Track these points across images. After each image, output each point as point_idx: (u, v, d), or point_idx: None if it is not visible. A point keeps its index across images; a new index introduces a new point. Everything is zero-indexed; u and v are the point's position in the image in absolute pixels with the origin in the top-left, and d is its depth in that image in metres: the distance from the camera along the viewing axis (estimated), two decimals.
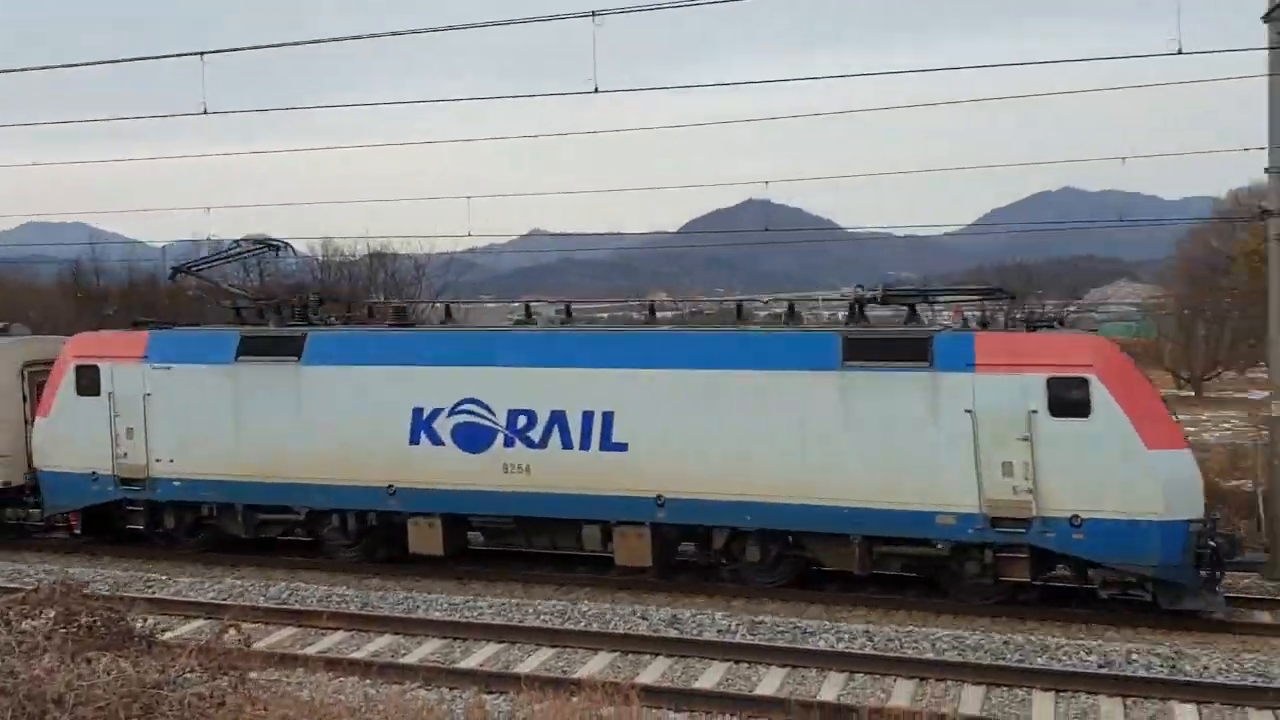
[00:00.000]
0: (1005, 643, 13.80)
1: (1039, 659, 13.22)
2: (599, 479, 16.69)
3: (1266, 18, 20.19)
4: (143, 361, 19.22)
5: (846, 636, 14.26)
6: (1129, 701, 11.88)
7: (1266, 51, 20.14)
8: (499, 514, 17.78)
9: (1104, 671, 12.70)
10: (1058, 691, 12.16)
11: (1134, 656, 13.14)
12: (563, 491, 16.92)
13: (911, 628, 14.75)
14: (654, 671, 13.24)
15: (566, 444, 16.92)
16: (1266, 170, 21.02)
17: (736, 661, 13.45)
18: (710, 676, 13.05)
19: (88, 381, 19.44)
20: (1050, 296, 50.25)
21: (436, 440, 17.55)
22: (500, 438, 17.25)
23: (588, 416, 16.74)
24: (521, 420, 17.15)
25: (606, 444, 16.74)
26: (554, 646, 14.18)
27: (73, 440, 19.50)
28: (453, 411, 17.46)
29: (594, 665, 13.49)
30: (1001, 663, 13.11)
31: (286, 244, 22.34)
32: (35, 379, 21.48)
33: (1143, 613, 15.48)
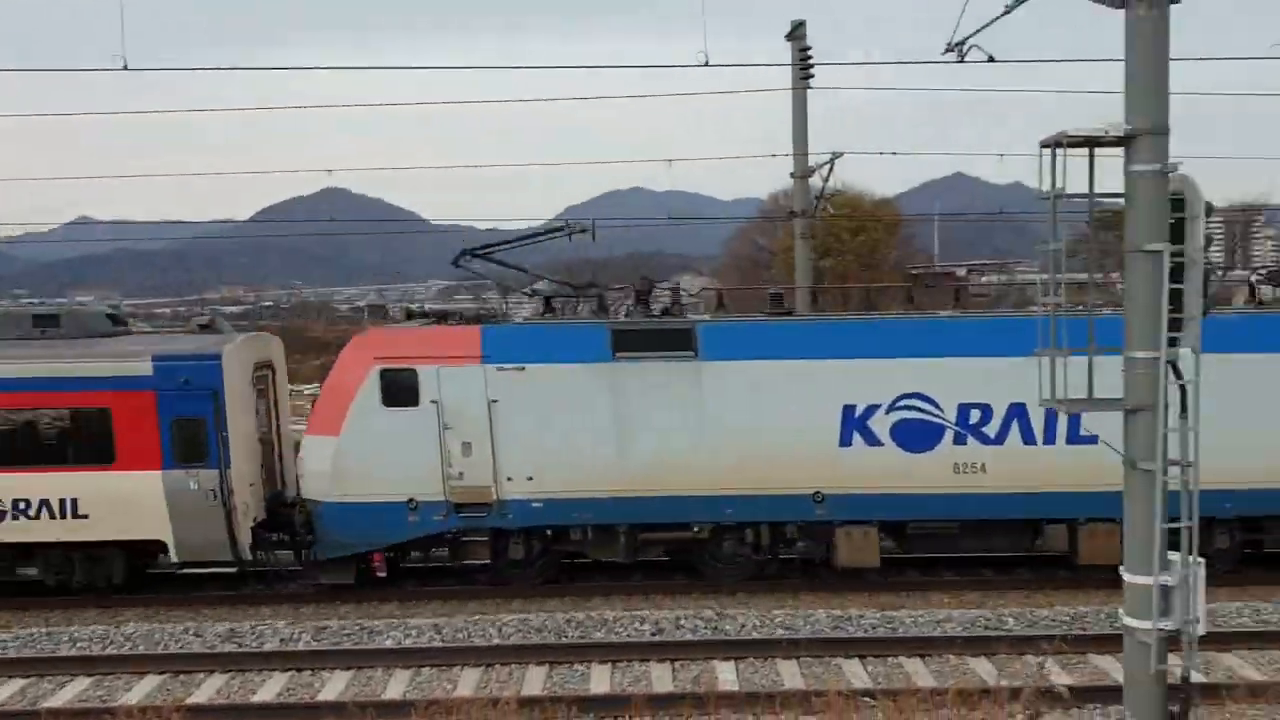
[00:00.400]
0: (568, 621, 14.33)
1: (598, 633, 13.88)
2: (1065, 475, 15.40)
3: (789, 36, 22.53)
4: (482, 362, 15.82)
5: (414, 632, 14.17)
6: (677, 664, 12.78)
7: (790, 67, 22.44)
8: (944, 518, 16.15)
9: (656, 639, 13.57)
10: (614, 663, 12.82)
11: (682, 622, 14.13)
12: (1024, 490, 15.66)
13: (480, 616, 14.93)
14: (208, 689, 12.43)
15: (1029, 439, 15.65)
16: (792, 175, 23.49)
17: (299, 670, 12.96)
18: (270, 688, 12.45)
19: (401, 389, 15.82)
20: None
21: (873, 440, 15.78)
22: (949, 434, 15.75)
23: (1050, 410, 15.72)
24: (975, 415, 15.71)
25: (1074, 437, 15.35)
26: (91, 675, 12.91)
27: (379, 462, 15.85)
28: (891, 408, 15.74)
29: (140, 691, 12.43)
30: (564, 641, 13.62)
31: (594, 222, 18.58)
32: (258, 385, 17.26)
33: (693, 579, 16.87)
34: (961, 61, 9.78)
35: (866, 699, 10.31)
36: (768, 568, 16.74)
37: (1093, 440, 15.16)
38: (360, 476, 15.82)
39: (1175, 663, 8.23)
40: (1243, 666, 12.26)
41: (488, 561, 16.80)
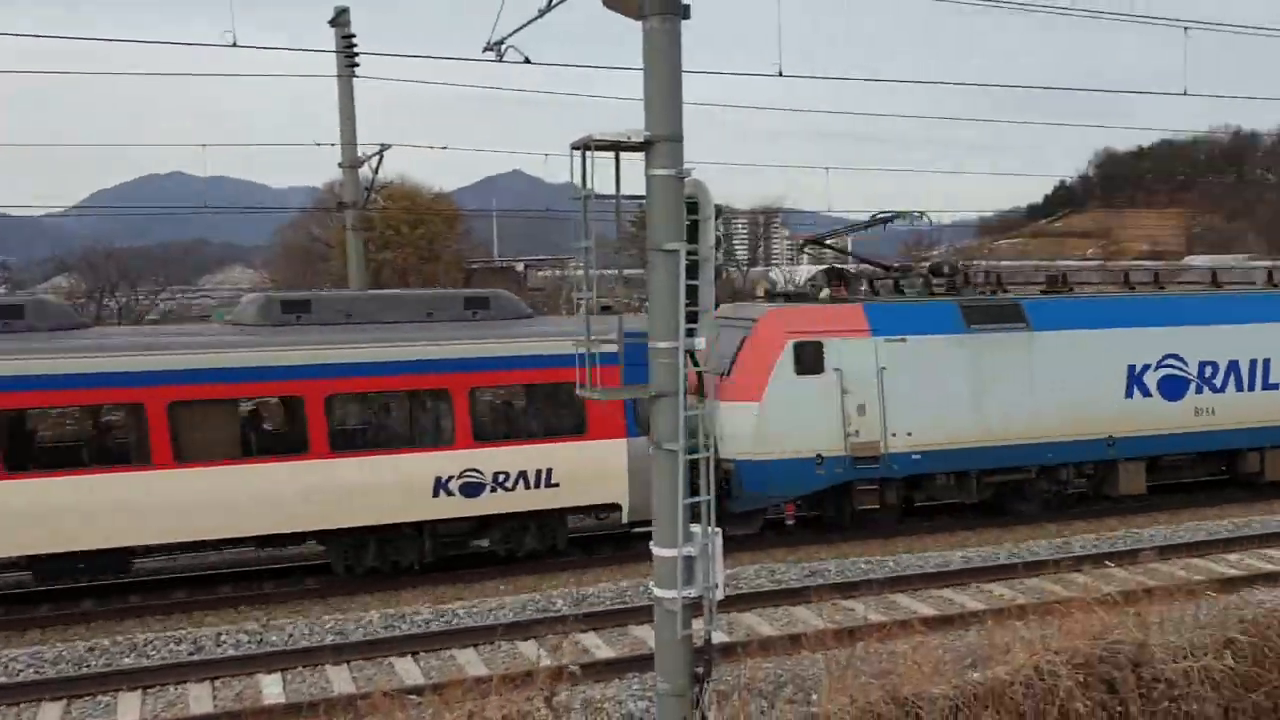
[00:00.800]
0: (90, 649, 12.96)
1: (126, 659, 12.68)
2: (1259, 413, 21.34)
3: (333, 22, 21.85)
4: (871, 335, 18.75)
5: None
6: (218, 683, 11.97)
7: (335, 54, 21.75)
8: (1183, 451, 21.11)
9: (195, 659, 12.63)
10: (145, 689, 11.76)
11: (224, 638, 13.28)
12: (1236, 427, 21.03)
13: None
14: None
15: (1239, 387, 21.09)
16: (340, 165, 22.86)
17: None
18: None
19: (809, 359, 18.39)
20: (149, 283, 49.21)
21: (1146, 393, 20.40)
22: (1193, 385, 20.77)
23: (1252, 364, 21.13)
24: (1209, 369, 20.90)
25: (1266, 385, 21.37)
26: None
27: (793, 424, 18.23)
28: (1158, 366, 20.48)
29: None
30: (85, 672, 12.29)
31: (923, 213, 22.05)
32: None
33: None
34: (500, 61, 9.97)
35: (413, 696, 10.23)
36: (1065, 502, 20.42)
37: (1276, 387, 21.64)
38: (778, 437, 18.17)
39: (701, 627, 8.92)
40: (759, 624, 13.62)
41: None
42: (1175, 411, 20.67)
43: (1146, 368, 20.44)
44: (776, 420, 18.10)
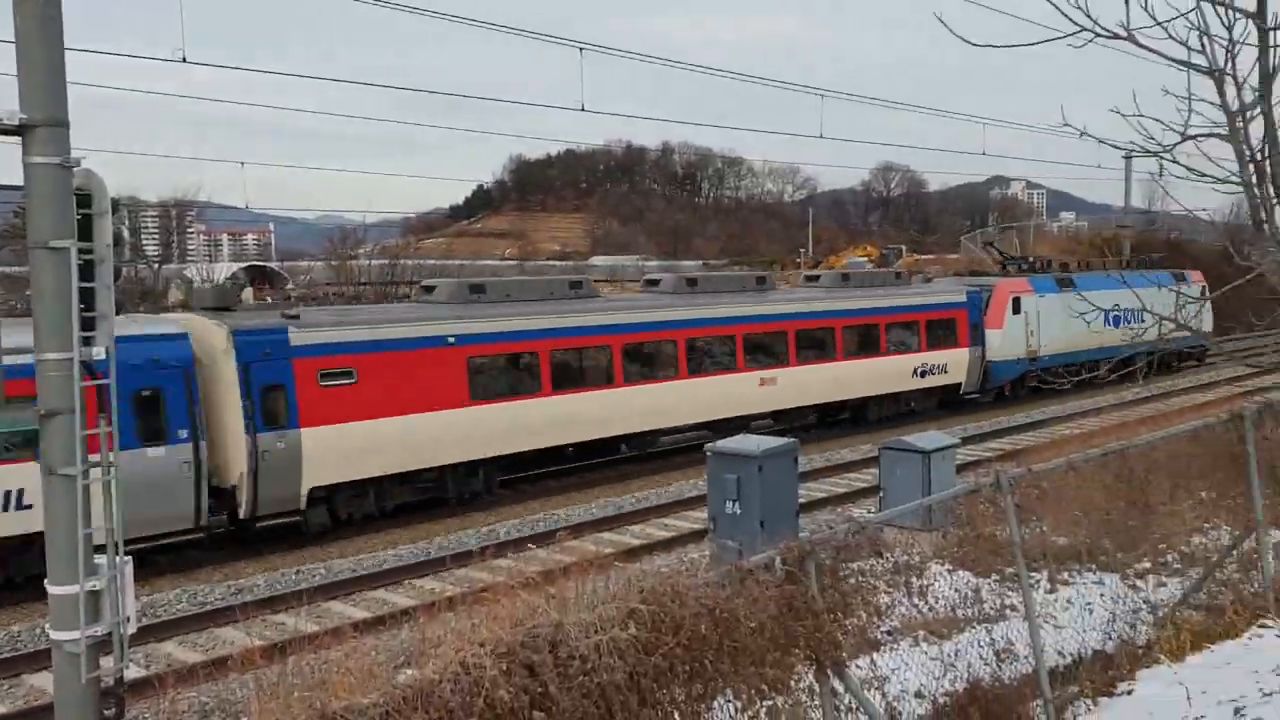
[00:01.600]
0: None
1: None
2: None
3: None
4: (1035, 294, 33.75)
5: None
6: None
7: None
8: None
9: None
10: None
11: None
12: None
13: None
14: None
15: None
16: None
17: None
18: None
19: (1016, 306, 33.22)
20: None
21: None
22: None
23: None
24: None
25: None
26: None
27: (1012, 341, 33.10)
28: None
29: None
30: None
31: None
32: None
33: None
34: None
35: None
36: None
37: None
38: (1007, 348, 33.56)
39: (111, 666, 8.03)
40: (181, 651, 12.66)
41: None
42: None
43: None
44: (1004, 339, 32.71)
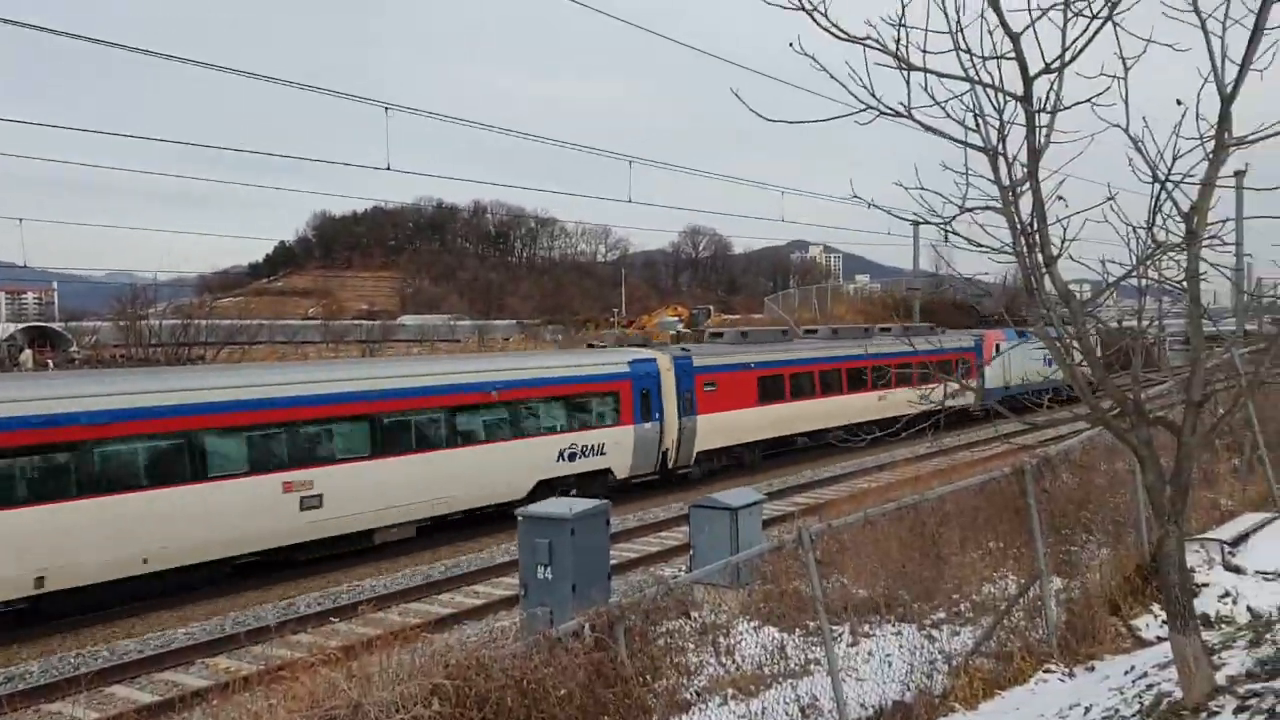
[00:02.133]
0: None
1: None
2: None
3: None
4: (1006, 339, 42.86)
5: None
6: None
7: None
8: None
9: None
10: None
11: None
12: None
13: None
14: None
15: None
16: None
17: None
18: None
19: (996, 349, 42.71)
20: None
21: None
22: None
23: None
24: None
25: None
26: None
27: (997, 374, 42.63)
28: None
29: None
30: None
31: None
32: None
33: None
34: None
35: None
36: None
37: None
38: (993, 379, 42.14)
39: None
40: None
41: None
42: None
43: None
44: (992, 373, 41.37)
